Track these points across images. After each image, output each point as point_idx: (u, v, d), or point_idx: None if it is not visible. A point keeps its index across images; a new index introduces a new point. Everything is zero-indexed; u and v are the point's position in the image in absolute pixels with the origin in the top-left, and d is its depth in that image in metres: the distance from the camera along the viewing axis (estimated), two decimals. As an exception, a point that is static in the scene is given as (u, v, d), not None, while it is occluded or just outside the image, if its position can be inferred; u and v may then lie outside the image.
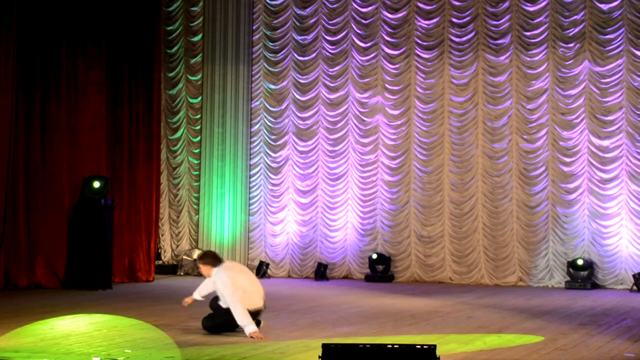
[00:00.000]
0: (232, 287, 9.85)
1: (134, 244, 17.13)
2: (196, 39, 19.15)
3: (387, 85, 17.83)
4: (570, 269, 16.18)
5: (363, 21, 18.04)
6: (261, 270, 17.87)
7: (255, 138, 18.71)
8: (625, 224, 16.10)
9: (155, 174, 17.78)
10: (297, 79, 18.48)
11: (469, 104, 17.25)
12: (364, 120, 18.00)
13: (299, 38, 18.48)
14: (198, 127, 19.06)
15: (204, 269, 10.23)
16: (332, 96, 18.24)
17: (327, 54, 18.27)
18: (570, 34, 16.56)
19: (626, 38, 16.14)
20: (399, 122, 17.75)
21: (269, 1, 18.69)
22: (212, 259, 10.26)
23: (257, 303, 10.09)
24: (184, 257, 18.69)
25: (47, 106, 15.90)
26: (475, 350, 9.05)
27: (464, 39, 17.28)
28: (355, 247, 17.90)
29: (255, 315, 10.00)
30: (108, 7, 16.73)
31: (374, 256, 17.50)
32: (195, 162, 19.06)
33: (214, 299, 10.42)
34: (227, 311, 9.93)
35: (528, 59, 16.85)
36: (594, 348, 9.21)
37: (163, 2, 18.72)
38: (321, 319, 11.52)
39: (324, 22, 18.29)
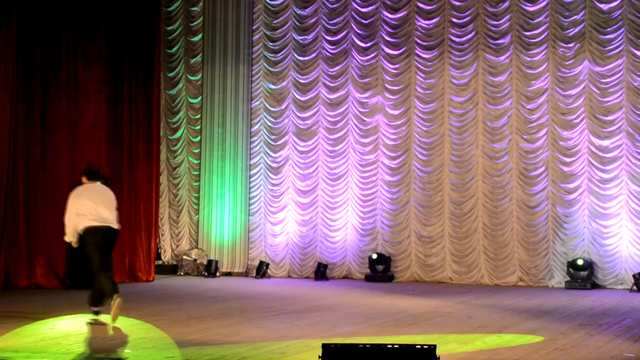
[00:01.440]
0: (71, 204, 10.50)
1: (134, 244, 17.13)
2: (196, 39, 19.16)
3: (387, 85, 17.82)
4: (570, 269, 16.18)
5: (363, 21, 18.04)
6: (261, 270, 17.88)
7: (255, 138, 18.71)
8: (625, 224, 16.09)
9: (155, 174, 17.79)
10: (297, 79, 18.48)
11: (469, 104, 17.25)
12: (364, 120, 18.00)
13: (299, 38, 18.48)
14: (198, 127, 19.07)
15: (82, 179, 11.01)
16: (332, 96, 18.24)
17: (327, 54, 18.27)
18: (570, 34, 16.56)
19: (626, 38, 16.14)
20: (399, 122, 17.75)
21: (269, 1, 18.69)
22: (90, 175, 11.04)
23: (91, 222, 10.39)
24: (184, 257, 18.70)
25: (47, 106, 15.91)
26: (475, 350, 9.05)
27: (464, 39, 17.27)
28: (355, 247, 17.89)
29: (103, 233, 10.34)
30: (108, 7, 16.75)
31: (374, 256, 17.50)
32: (195, 162, 19.06)
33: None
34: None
35: (528, 59, 16.84)
36: (594, 348, 9.21)
37: (163, 2, 18.73)
38: (321, 319, 11.53)
39: (324, 22, 18.29)
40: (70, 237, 10.52)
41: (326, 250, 18.06)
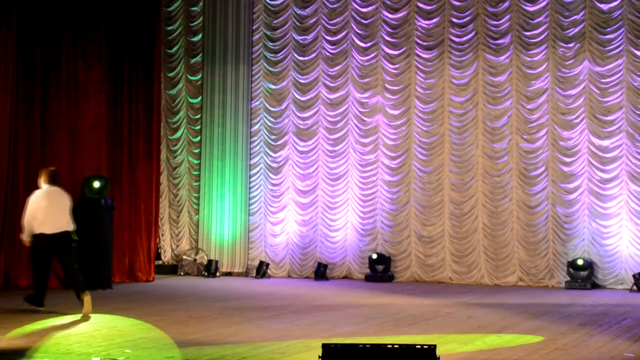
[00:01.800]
0: (30, 207, 11.68)
1: (134, 244, 17.13)
2: (196, 39, 19.15)
3: (387, 85, 17.82)
4: (570, 269, 16.17)
5: (363, 21, 18.03)
6: (261, 270, 17.88)
7: (255, 138, 18.70)
8: (625, 224, 16.09)
9: (155, 174, 17.78)
10: (297, 79, 18.47)
11: (469, 104, 17.24)
12: (364, 120, 18.00)
13: (299, 38, 18.48)
14: (198, 127, 19.06)
15: (41, 181, 11.85)
16: (332, 96, 18.23)
17: (327, 54, 18.27)
18: (570, 34, 16.56)
19: (626, 38, 16.14)
20: (399, 122, 17.74)
21: (269, 1, 18.69)
22: (49, 176, 11.80)
23: (45, 229, 11.61)
24: (184, 257, 18.70)
25: (47, 106, 15.91)
26: (475, 350, 9.05)
27: (464, 39, 17.27)
28: (355, 247, 17.89)
29: (50, 239, 11.62)
30: (108, 7, 16.75)
31: (374, 256, 17.49)
32: (195, 162, 19.06)
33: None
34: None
35: (528, 59, 16.84)
36: (594, 348, 9.21)
37: (163, 2, 18.71)
38: (321, 319, 11.53)
39: (324, 22, 18.28)
40: (26, 237, 11.74)
41: (326, 250, 18.06)
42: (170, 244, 19.18)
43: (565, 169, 16.58)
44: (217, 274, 18.17)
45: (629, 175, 16.10)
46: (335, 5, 18.23)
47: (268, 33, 18.67)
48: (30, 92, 15.68)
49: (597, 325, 10.97)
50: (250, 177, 18.65)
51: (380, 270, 17.46)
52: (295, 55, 18.46)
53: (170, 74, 19.27)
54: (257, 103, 18.71)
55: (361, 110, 18.01)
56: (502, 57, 16.99)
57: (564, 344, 9.45)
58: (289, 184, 18.45)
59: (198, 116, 19.08)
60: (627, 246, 16.04)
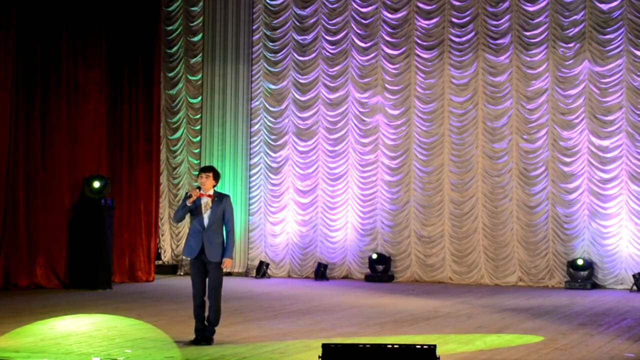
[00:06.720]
0: None
1: (134, 244, 17.14)
2: (196, 39, 19.16)
3: (387, 85, 17.82)
4: (570, 269, 16.18)
5: (363, 21, 18.04)
6: (261, 270, 17.88)
7: (255, 138, 18.71)
8: (625, 224, 16.09)
9: (155, 174, 17.79)
10: (297, 79, 18.47)
11: (469, 104, 17.25)
12: (364, 120, 18.00)
13: (299, 38, 18.48)
14: (198, 127, 19.07)
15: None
16: (332, 96, 18.23)
17: (327, 54, 18.27)
18: (570, 34, 16.56)
19: (626, 38, 16.14)
20: (399, 122, 17.75)
21: (269, 1, 18.69)
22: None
23: None
24: (184, 256, 18.69)
25: (47, 106, 15.91)
26: (475, 350, 9.05)
27: (464, 39, 17.27)
28: (355, 247, 17.89)
29: None
30: (108, 7, 16.75)
31: (374, 256, 17.50)
32: (195, 162, 19.05)
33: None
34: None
35: (528, 59, 16.84)
36: (594, 348, 9.22)
37: (163, 2, 18.72)
38: (321, 319, 11.53)
39: (324, 22, 18.29)
40: None
41: (326, 250, 18.06)
42: (170, 244, 19.18)
43: (565, 169, 16.58)
44: (217, 274, 18.13)
45: (629, 175, 16.10)
46: (335, 5, 18.23)
47: (268, 33, 18.67)
48: (30, 92, 15.69)
49: (597, 325, 10.97)
50: (250, 177, 18.65)
51: (380, 270, 17.46)
52: (295, 55, 18.46)
53: (170, 74, 19.28)
54: (257, 103, 18.71)
55: (361, 110, 18.01)
56: (502, 57, 16.99)
57: (564, 344, 9.45)
58: (289, 184, 18.45)
59: (198, 116, 19.09)
60: (627, 246, 16.04)
